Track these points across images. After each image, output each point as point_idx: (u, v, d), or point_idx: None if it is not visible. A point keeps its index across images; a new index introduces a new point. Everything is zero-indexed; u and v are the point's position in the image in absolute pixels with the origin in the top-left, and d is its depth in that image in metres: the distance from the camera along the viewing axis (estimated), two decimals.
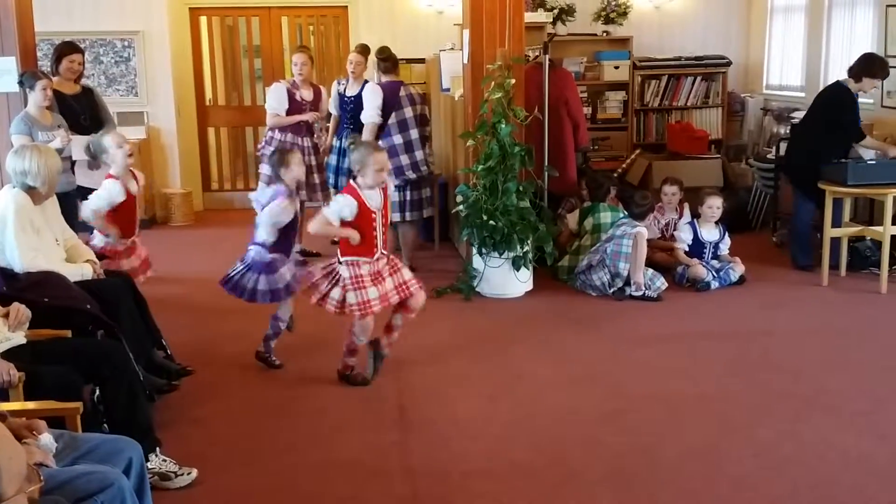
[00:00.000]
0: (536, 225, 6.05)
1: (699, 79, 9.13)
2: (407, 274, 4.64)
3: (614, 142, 9.15)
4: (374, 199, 4.41)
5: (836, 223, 6.34)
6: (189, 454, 3.73)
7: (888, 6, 6.85)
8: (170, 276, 6.51)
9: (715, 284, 6.23)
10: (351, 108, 7.13)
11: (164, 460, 3.59)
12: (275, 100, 7.08)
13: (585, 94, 8.94)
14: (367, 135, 6.55)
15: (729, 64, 9.11)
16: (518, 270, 6.07)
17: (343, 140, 7.12)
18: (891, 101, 6.92)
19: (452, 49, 7.62)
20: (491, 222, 5.94)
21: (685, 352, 5.00)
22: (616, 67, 9.02)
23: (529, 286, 6.21)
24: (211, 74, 9.73)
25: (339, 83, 7.36)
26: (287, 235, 4.75)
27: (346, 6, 9.44)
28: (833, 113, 6.44)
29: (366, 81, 7.09)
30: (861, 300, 5.93)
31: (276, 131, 7.10)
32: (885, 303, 5.85)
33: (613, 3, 9.05)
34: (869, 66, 6.34)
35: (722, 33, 9.43)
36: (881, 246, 6.09)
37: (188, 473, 3.58)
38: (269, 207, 4.63)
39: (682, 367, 4.78)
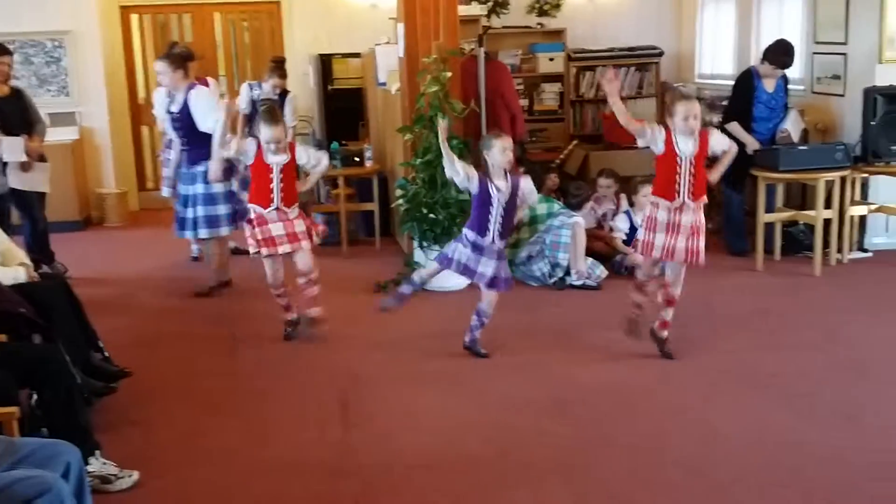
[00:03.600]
0: None
1: (633, 69, 9.24)
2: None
3: (551, 133, 9.22)
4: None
5: (770, 209, 6.48)
6: (130, 457, 3.66)
7: None
8: (106, 278, 6.38)
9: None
10: None
11: (105, 463, 3.51)
12: (157, 105, 7.02)
13: (522, 87, 8.98)
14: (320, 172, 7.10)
15: (661, 54, 9.24)
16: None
17: None
18: (820, 86, 7.08)
19: (388, 43, 7.59)
20: (431, 215, 5.94)
21: (623, 339, 5.04)
22: (551, 59, 9.08)
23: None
24: (144, 73, 9.55)
25: (251, 87, 7.44)
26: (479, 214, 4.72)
27: (279, 2, 9.35)
28: (731, 97, 6.64)
29: (281, 93, 7.38)
30: (796, 283, 6.06)
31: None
32: (818, 285, 6.00)
33: None
34: (767, 50, 6.54)
35: (654, 24, 9.55)
36: (814, 229, 6.24)
37: (129, 476, 3.52)
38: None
39: (627, 355, 4.83)
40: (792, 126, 6.60)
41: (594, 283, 6.09)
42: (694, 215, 4.58)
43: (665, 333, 4.75)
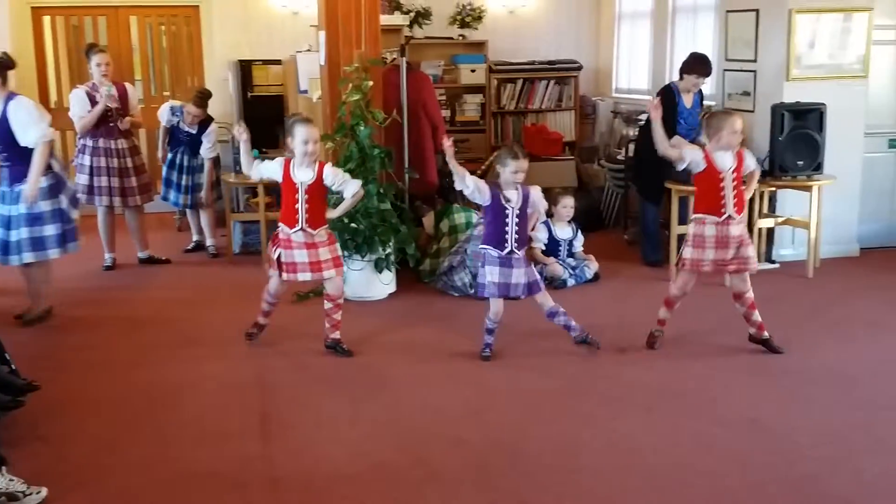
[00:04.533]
0: (398, 227, 6.07)
1: (552, 82, 9.38)
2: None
3: (473, 144, 9.29)
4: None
5: (683, 221, 6.64)
6: (38, 473, 3.55)
7: (728, 12, 7.24)
8: (10, 288, 6.17)
9: (571, 282, 6.42)
10: (187, 139, 7.38)
11: (11, 480, 3.40)
12: (76, 106, 6.90)
13: (444, 97, 9.04)
14: (207, 174, 7.36)
15: (580, 68, 9.41)
16: (381, 273, 6.07)
17: (179, 155, 7.41)
18: (731, 102, 7.30)
19: (309, 50, 7.56)
20: (352, 225, 5.92)
21: (544, 348, 5.12)
22: (473, 71, 9.16)
23: (393, 288, 6.22)
24: (56, 76, 9.28)
25: (172, 110, 7.42)
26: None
27: (198, 5, 9.20)
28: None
29: (203, 121, 7.37)
30: (705, 292, 6.20)
31: (88, 138, 6.95)
32: (726, 294, 6.15)
33: (468, 7, 9.19)
34: (684, 64, 6.76)
35: (573, 38, 9.73)
36: None
37: (37, 493, 3.41)
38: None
39: (541, 363, 4.90)
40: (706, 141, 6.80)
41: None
42: (739, 228, 4.83)
43: (766, 334, 4.98)
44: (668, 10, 8.43)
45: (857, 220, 7.08)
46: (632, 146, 7.63)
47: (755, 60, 6.97)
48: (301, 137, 4.79)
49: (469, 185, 4.78)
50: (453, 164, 4.79)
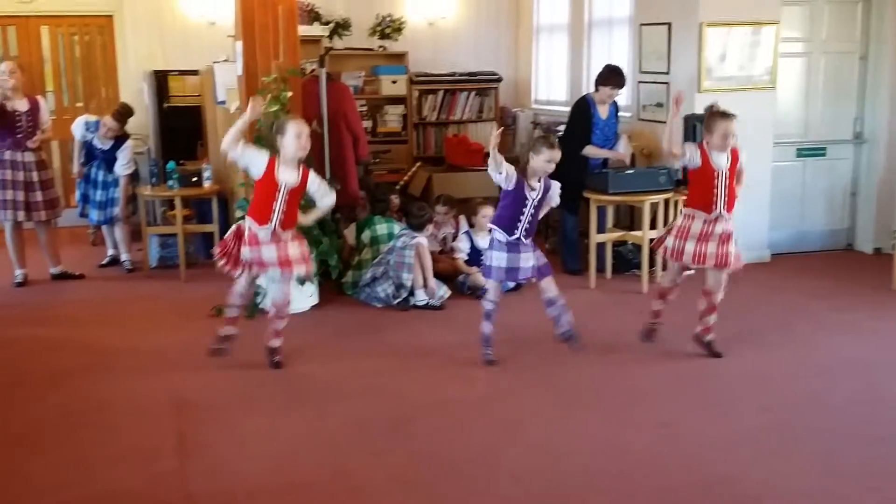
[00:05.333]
0: (319, 238, 6.03)
1: (473, 94, 9.45)
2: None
3: (395, 155, 9.29)
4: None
5: (601, 229, 6.77)
6: None
7: (641, 25, 7.41)
8: None
9: None
10: (102, 155, 7.23)
11: None
12: None
13: (365, 108, 9.03)
14: (122, 190, 7.22)
15: (500, 80, 9.50)
16: (303, 285, 6.01)
17: (95, 170, 7.25)
18: (646, 114, 7.47)
19: (227, 61, 7.46)
20: None
21: (466, 357, 5.14)
22: (394, 82, 9.17)
23: (315, 300, 6.17)
24: None
25: (87, 125, 7.28)
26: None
27: (112, 15, 9.01)
28: (569, 124, 6.95)
29: (119, 138, 7.23)
30: (624, 300, 6.35)
31: None
32: (645, 301, 6.27)
33: (388, 18, 9.21)
34: (599, 76, 6.90)
35: (492, 50, 9.83)
36: (641, 249, 6.56)
37: None
38: None
39: (464, 373, 4.92)
40: (624, 150, 6.95)
41: (437, 304, 6.16)
42: (725, 225, 4.93)
43: (710, 337, 5.07)
44: (585, 24, 8.58)
45: (768, 226, 7.30)
46: None
47: (668, 73, 7.14)
48: (294, 131, 4.71)
49: (504, 171, 4.80)
50: (494, 153, 4.77)
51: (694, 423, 4.23)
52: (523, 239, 4.91)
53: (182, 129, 8.66)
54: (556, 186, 5.02)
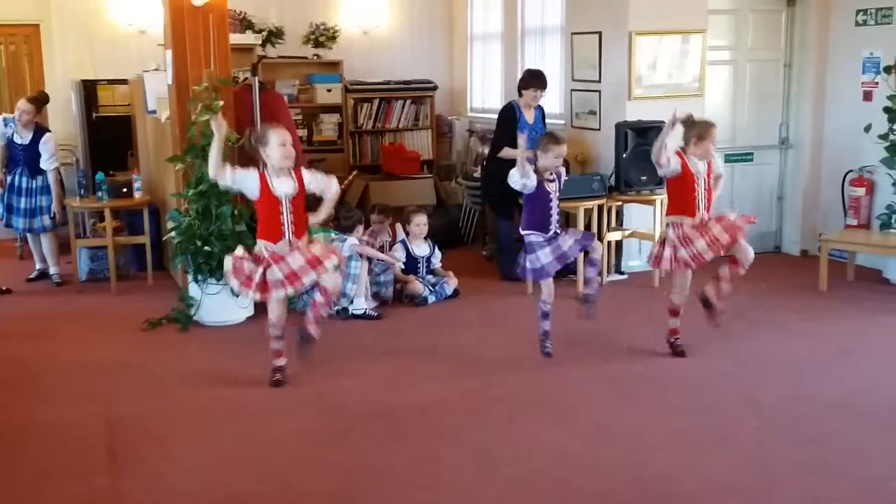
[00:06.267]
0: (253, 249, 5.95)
1: (409, 102, 9.46)
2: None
3: (331, 163, 9.22)
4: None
5: None
6: None
7: (573, 34, 7.50)
8: None
9: (432, 299, 6.47)
10: (23, 153, 7.06)
11: None
12: None
13: (300, 117, 8.98)
14: (53, 186, 7.09)
15: (436, 88, 9.53)
16: (237, 296, 5.93)
17: (17, 176, 7.10)
18: (579, 121, 7.57)
19: (157, 70, 7.34)
20: (206, 248, 5.77)
21: (405, 366, 5.14)
22: (329, 90, 9.14)
23: (251, 311, 6.09)
24: None
25: (5, 122, 7.12)
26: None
27: (38, 24, 8.79)
28: (496, 131, 7.06)
29: (37, 131, 7.08)
30: (560, 305, 6.36)
31: None
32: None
33: (322, 27, 9.17)
34: (521, 81, 7.00)
35: (427, 58, 9.86)
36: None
37: None
38: None
39: (403, 381, 4.91)
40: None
41: (375, 313, 6.14)
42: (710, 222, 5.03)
43: (716, 305, 5.16)
44: (518, 32, 8.67)
45: None
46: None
47: (599, 81, 7.24)
48: (277, 140, 4.59)
49: (529, 174, 4.95)
50: (523, 162, 4.93)
51: (632, 424, 4.29)
52: (557, 231, 5.10)
53: (112, 139, 8.49)
54: (562, 170, 5.21)
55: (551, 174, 5.11)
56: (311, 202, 4.90)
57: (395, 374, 5.00)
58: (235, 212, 5.85)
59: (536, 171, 5.06)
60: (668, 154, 4.93)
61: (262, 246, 4.69)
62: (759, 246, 7.86)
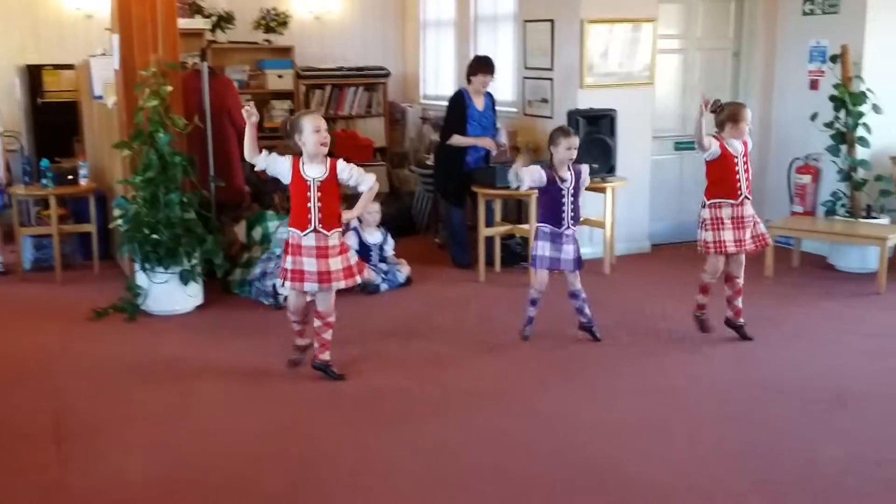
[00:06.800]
0: (203, 237, 5.90)
1: (361, 88, 9.41)
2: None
3: (283, 150, 9.07)
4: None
5: (489, 223, 6.84)
6: None
7: (525, 22, 7.52)
8: None
9: (384, 286, 6.46)
10: None
11: None
12: None
13: (251, 103, 8.84)
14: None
15: (388, 75, 9.49)
16: (186, 285, 5.87)
17: None
18: (531, 109, 7.59)
19: (104, 55, 7.20)
20: (154, 236, 5.70)
21: (358, 355, 5.11)
22: (280, 76, 9.05)
23: (200, 300, 6.03)
24: None
25: None
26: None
27: None
28: (446, 118, 7.06)
29: None
30: (513, 293, 6.43)
31: None
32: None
33: (273, 12, 9.07)
34: (469, 68, 7.00)
35: (380, 45, 9.81)
36: (528, 242, 6.66)
37: None
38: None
39: (359, 370, 4.89)
40: (501, 140, 7.04)
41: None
42: (749, 208, 5.15)
43: (742, 320, 5.30)
44: (471, 19, 8.66)
45: (648, 218, 7.53)
46: None
47: (552, 69, 7.27)
48: (312, 126, 4.51)
49: (524, 179, 5.06)
50: (520, 170, 5.07)
51: (586, 411, 4.33)
52: (571, 227, 5.17)
53: (57, 125, 8.34)
54: (585, 170, 5.26)
55: (568, 169, 5.14)
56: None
57: (347, 364, 4.97)
58: (184, 199, 5.78)
59: (552, 166, 5.12)
60: (702, 135, 5.03)
61: (290, 233, 4.64)
62: None
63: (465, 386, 4.67)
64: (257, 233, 6.52)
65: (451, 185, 7.01)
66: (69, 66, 8.33)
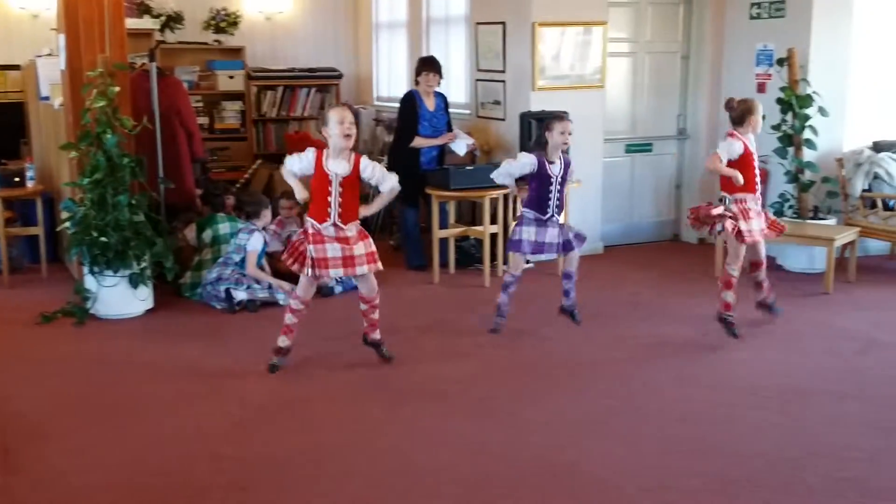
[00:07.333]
0: (153, 239, 5.81)
1: (314, 90, 9.36)
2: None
3: (234, 152, 9.09)
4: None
5: (443, 225, 6.85)
6: None
7: (477, 24, 7.54)
8: None
9: (339, 289, 6.43)
10: None
11: None
12: None
13: (201, 104, 8.78)
14: None
15: (341, 76, 9.45)
16: (136, 288, 5.79)
17: None
18: (484, 111, 7.62)
19: (50, 55, 7.07)
20: (102, 239, 5.61)
21: (311, 357, 5.09)
22: (231, 77, 8.96)
23: (150, 304, 5.95)
24: None
25: None
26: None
27: None
28: (398, 119, 7.07)
29: None
30: (467, 294, 6.46)
31: None
32: (488, 294, 6.41)
33: (223, 12, 8.98)
34: (416, 70, 7.02)
35: (332, 46, 9.76)
36: (482, 244, 6.69)
37: None
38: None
39: (309, 372, 4.86)
40: (460, 141, 7.02)
41: (282, 303, 6.07)
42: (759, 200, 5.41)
43: (773, 298, 5.61)
44: (423, 21, 8.66)
45: (601, 220, 7.59)
46: None
47: (504, 71, 7.30)
48: (337, 118, 4.54)
49: (515, 172, 5.21)
50: (515, 188, 5.30)
51: (539, 410, 4.35)
52: (555, 215, 5.23)
53: (3, 126, 8.14)
54: (573, 162, 5.38)
55: (560, 157, 5.24)
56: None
57: (300, 366, 4.95)
58: (133, 201, 5.69)
59: (544, 152, 5.19)
60: (721, 169, 5.23)
61: (309, 223, 4.70)
62: (658, 234, 8.12)
63: (415, 386, 4.67)
64: (207, 235, 6.45)
65: (405, 186, 6.97)
66: (15, 67, 8.17)
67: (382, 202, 4.98)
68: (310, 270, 4.64)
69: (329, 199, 4.60)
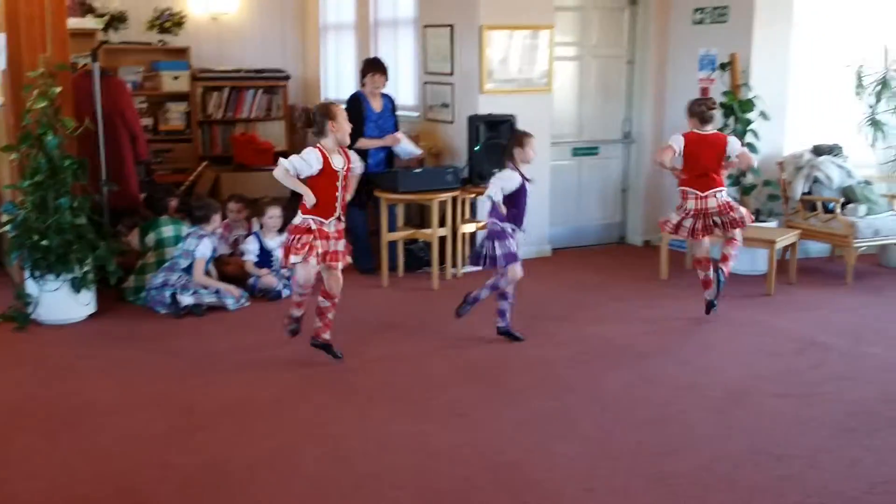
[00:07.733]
0: (96, 243, 5.72)
1: (261, 91, 9.29)
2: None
3: (179, 154, 8.97)
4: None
5: (392, 228, 6.85)
6: None
7: (425, 27, 7.55)
8: None
9: (286, 292, 6.38)
10: None
11: None
12: None
13: (145, 105, 8.66)
14: None
15: (288, 77, 9.39)
16: (78, 292, 5.68)
17: None
18: (432, 113, 7.63)
19: None
20: (43, 242, 5.50)
21: (259, 361, 5.05)
22: (175, 78, 8.84)
23: (92, 309, 5.84)
24: None
25: None
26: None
27: None
28: None
29: None
30: (417, 297, 6.46)
31: None
32: (437, 297, 6.43)
33: (167, 12, 8.86)
34: (361, 71, 7.03)
35: (279, 47, 9.68)
36: (431, 246, 6.70)
37: None
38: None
39: (256, 377, 4.83)
40: (404, 144, 7.00)
41: (234, 307, 6.05)
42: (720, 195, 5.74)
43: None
44: (371, 23, 8.65)
45: (548, 222, 7.65)
46: None
47: (452, 74, 7.33)
48: (342, 114, 4.84)
49: (499, 191, 5.13)
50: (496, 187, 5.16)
51: (487, 411, 4.38)
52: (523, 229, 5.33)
53: None
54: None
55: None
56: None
57: (245, 369, 4.91)
58: (75, 204, 5.59)
59: (515, 168, 5.21)
60: (665, 159, 5.62)
61: (309, 220, 4.77)
62: (605, 237, 8.21)
63: (367, 389, 4.66)
64: (151, 238, 6.35)
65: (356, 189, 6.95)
66: None
67: (355, 184, 5.11)
68: (300, 257, 4.73)
69: (337, 194, 4.79)
